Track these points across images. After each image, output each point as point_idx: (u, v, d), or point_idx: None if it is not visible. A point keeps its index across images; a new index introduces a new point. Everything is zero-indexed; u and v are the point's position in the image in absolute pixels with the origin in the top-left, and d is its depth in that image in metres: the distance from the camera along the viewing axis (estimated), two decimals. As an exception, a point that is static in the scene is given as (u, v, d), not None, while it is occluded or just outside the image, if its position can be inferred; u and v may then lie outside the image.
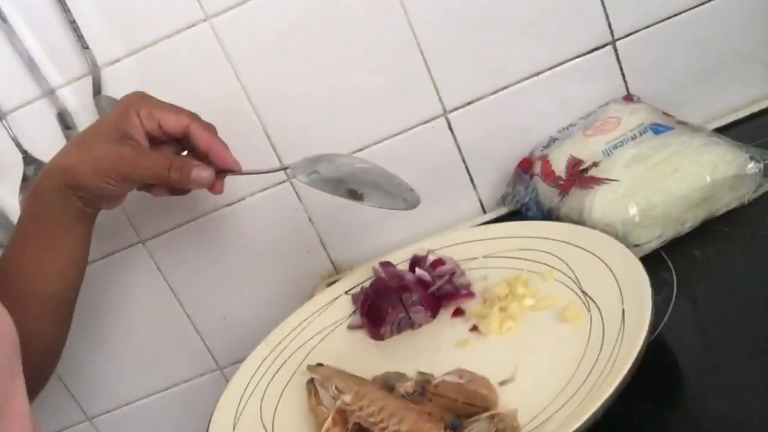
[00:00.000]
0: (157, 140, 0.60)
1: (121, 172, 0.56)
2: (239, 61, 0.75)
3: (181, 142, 0.61)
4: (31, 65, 0.74)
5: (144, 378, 0.91)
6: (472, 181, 0.81)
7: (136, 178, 0.57)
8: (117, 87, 0.75)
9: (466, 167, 0.80)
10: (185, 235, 0.83)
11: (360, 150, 0.79)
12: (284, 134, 0.78)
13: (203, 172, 0.58)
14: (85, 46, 0.73)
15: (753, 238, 0.58)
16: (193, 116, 0.60)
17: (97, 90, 0.74)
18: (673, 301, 0.54)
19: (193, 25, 0.73)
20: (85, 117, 0.76)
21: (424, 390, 0.45)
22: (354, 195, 0.56)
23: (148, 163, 0.57)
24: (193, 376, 0.91)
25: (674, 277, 0.56)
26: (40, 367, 0.63)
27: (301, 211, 0.82)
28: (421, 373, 0.47)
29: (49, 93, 0.75)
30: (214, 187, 0.61)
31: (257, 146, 0.78)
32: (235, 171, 0.60)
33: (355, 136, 0.78)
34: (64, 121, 0.76)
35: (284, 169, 0.61)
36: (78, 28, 0.72)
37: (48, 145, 0.77)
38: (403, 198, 0.58)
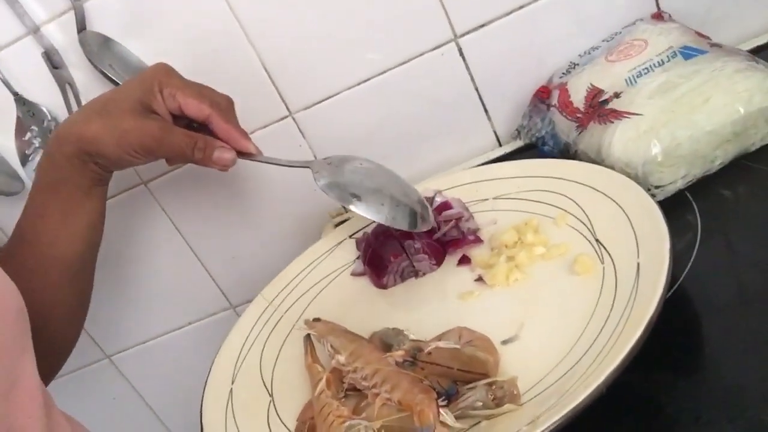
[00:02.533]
0: (178, 116, 0.59)
1: (146, 147, 0.56)
2: (232, -11, 0.70)
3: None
4: (12, 1, 0.69)
5: (159, 317, 0.90)
6: (486, 111, 0.75)
7: (160, 153, 0.57)
8: (102, 21, 0.70)
9: (480, 97, 0.74)
10: (187, 175, 0.80)
11: (365, 81, 0.73)
12: (283, 67, 0.73)
13: (225, 154, 0.57)
14: (65, -21, 0.68)
15: (790, 173, 0.52)
16: (215, 104, 0.58)
17: (81, 26, 0.69)
18: (696, 247, 0.50)
19: (180, -49, 0.68)
20: (73, 54, 0.72)
21: (416, 359, 0.42)
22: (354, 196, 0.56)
23: (172, 140, 0.56)
24: (206, 315, 0.90)
25: (699, 221, 0.52)
26: (66, 330, 0.63)
27: (305, 147, 0.78)
28: (412, 341, 0.44)
29: (34, 30, 0.71)
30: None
31: (256, 82, 0.73)
32: (255, 156, 0.59)
33: (358, 66, 0.73)
34: (51, 59, 0.72)
35: (305, 166, 0.59)
36: (56, -42, 0.67)
37: (37, 85, 0.74)
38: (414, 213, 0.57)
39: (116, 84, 0.70)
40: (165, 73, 0.57)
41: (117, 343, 0.93)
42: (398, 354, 0.43)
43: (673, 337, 0.43)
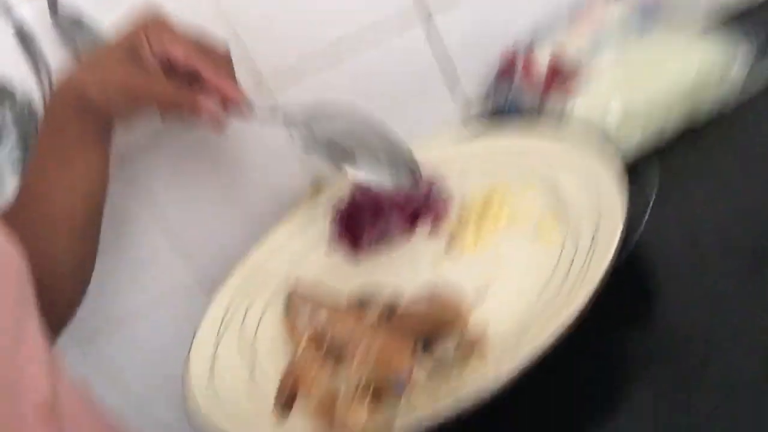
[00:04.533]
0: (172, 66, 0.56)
1: (130, 96, 0.55)
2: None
3: None
4: (-19, -19, 0.70)
5: (128, 301, 0.91)
6: (452, 84, 0.78)
7: (145, 104, 0.55)
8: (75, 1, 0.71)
9: (446, 69, 0.77)
10: (159, 148, 0.80)
11: (331, 58, 0.75)
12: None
13: (211, 108, 0.54)
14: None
15: (737, 140, 0.56)
16: (204, 53, 0.55)
17: (53, 8, 0.70)
18: (650, 210, 0.53)
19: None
20: (45, 33, 0.72)
21: (391, 315, 0.45)
22: (346, 157, 0.52)
23: (157, 90, 0.54)
24: (181, 293, 0.91)
25: (654, 185, 0.55)
26: (71, 288, 0.64)
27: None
28: (387, 298, 0.47)
29: (6, 9, 0.71)
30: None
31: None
32: (247, 113, 0.56)
33: (325, 45, 0.75)
34: (23, 38, 0.72)
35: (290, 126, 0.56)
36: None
37: (8, 63, 0.74)
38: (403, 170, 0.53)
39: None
40: (154, 18, 0.55)
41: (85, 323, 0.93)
42: (374, 309, 0.46)
43: (628, 293, 0.47)
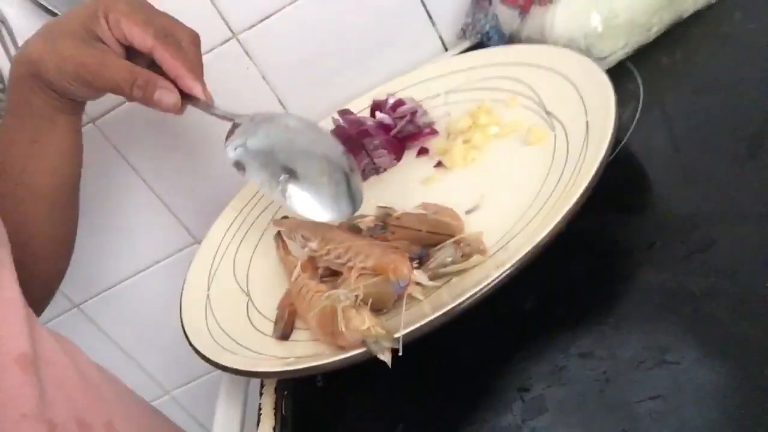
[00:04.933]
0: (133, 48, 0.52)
1: (82, 79, 0.51)
2: None
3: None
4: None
5: (124, 260, 0.90)
6: (430, 17, 0.76)
7: (98, 87, 0.52)
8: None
9: (423, 2, 0.75)
10: (135, 109, 0.78)
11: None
12: None
13: (166, 98, 0.51)
14: None
15: (723, 37, 0.55)
16: (163, 34, 0.51)
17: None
18: (639, 112, 0.52)
19: None
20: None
21: (386, 223, 0.44)
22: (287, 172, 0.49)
23: (109, 73, 0.50)
24: (172, 251, 0.90)
25: (641, 87, 0.54)
26: (50, 262, 0.62)
27: (253, 69, 0.77)
28: (381, 207, 0.46)
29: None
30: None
31: (195, 3, 0.72)
32: (201, 104, 0.52)
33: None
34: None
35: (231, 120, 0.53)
36: None
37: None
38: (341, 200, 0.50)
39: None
40: None
41: (84, 291, 0.92)
42: (368, 219, 0.44)
43: (622, 187, 0.46)
